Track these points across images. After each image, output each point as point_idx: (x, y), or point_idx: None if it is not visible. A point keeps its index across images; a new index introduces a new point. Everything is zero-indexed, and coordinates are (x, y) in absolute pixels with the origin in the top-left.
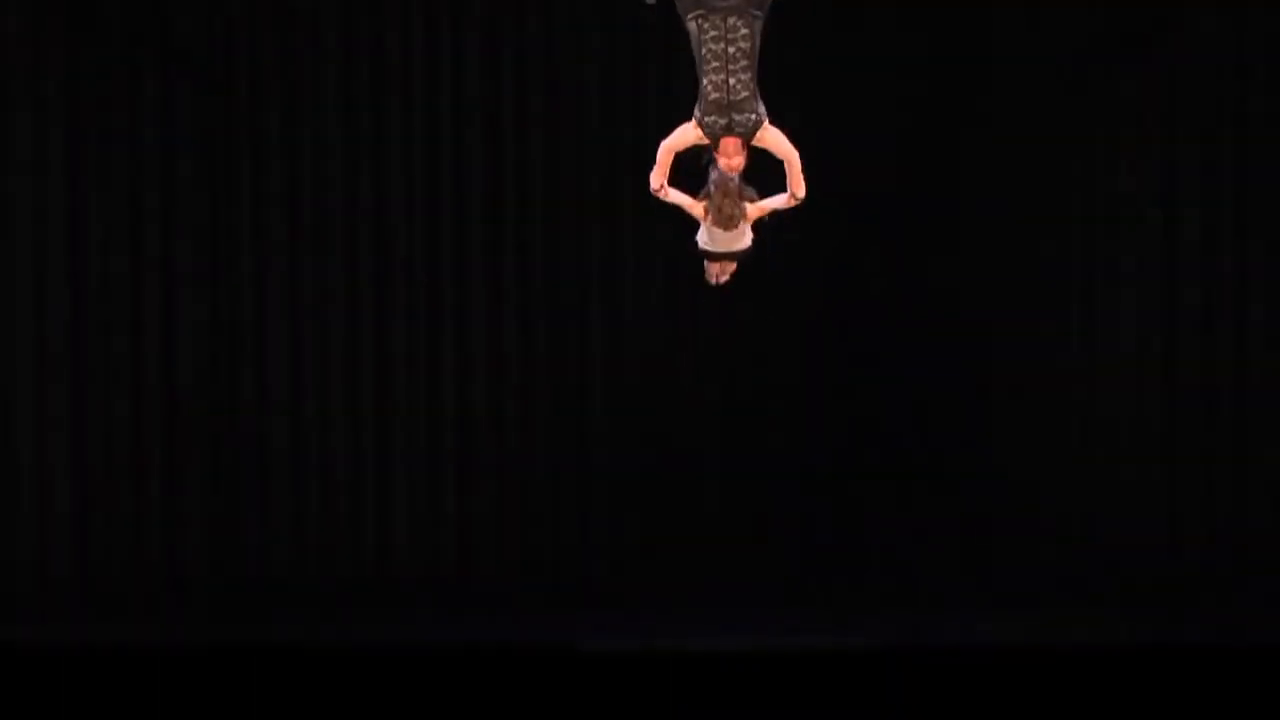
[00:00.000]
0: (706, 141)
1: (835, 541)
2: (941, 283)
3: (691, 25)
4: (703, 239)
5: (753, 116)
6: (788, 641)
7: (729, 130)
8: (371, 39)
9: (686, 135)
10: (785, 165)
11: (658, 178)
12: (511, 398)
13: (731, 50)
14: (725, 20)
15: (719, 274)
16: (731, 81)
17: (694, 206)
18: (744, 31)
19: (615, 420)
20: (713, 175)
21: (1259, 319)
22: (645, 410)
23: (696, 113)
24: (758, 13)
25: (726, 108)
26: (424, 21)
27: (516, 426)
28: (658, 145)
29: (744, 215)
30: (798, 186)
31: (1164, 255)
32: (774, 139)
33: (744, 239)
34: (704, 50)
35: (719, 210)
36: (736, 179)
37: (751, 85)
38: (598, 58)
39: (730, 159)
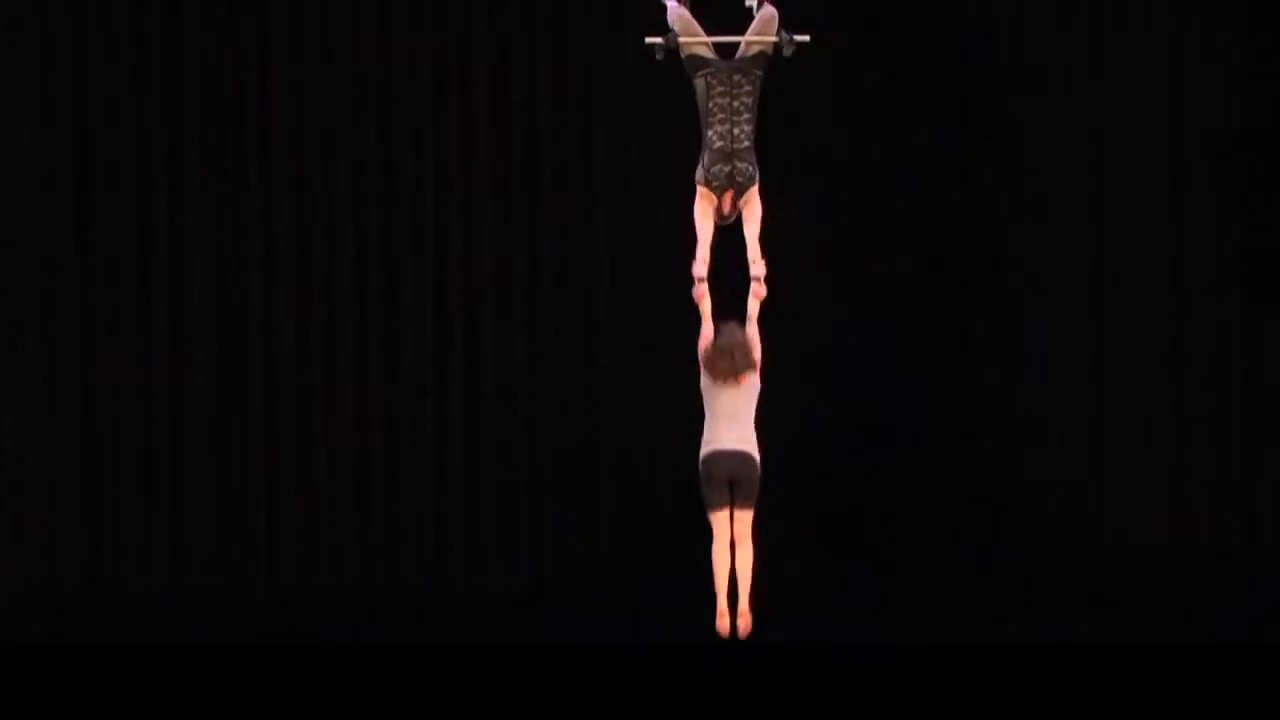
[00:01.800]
0: (715, 200)
1: (835, 540)
2: (945, 281)
3: (699, 82)
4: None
5: (750, 168)
6: (787, 641)
7: (731, 180)
8: (380, 36)
9: (704, 216)
10: (747, 236)
11: (700, 267)
12: (518, 399)
13: (735, 104)
14: (730, 77)
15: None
16: (735, 132)
17: (705, 339)
18: (747, 87)
19: (621, 421)
20: (720, 339)
21: (1267, 318)
22: (650, 412)
23: (700, 171)
24: (759, 71)
25: (730, 155)
26: (432, 22)
27: (522, 429)
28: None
29: (739, 367)
30: (758, 265)
31: (1173, 253)
32: (752, 212)
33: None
34: (710, 104)
35: (724, 366)
36: (743, 337)
37: (752, 136)
38: (605, 63)
39: (726, 205)
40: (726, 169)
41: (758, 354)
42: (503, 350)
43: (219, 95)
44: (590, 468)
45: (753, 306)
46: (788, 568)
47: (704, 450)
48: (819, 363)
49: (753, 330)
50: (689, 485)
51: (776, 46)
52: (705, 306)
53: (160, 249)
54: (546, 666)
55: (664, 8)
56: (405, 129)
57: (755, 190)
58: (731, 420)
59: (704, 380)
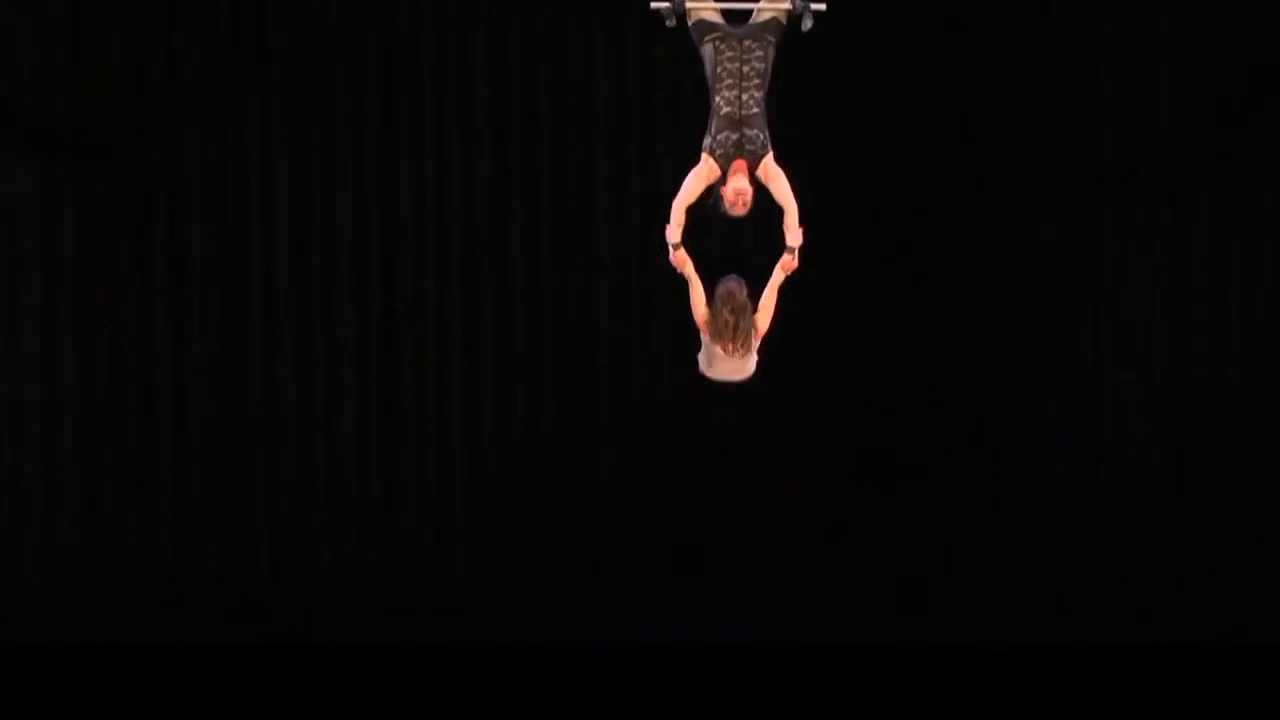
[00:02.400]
0: (718, 173)
1: (836, 541)
2: (945, 282)
3: (707, 48)
4: (703, 362)
5: (761, 135)
6: (787, 641)
7: (740, 149)
8: (380, 36)
9: (697, 180)
10: (784, 212)
11: (675, 232)
12: (518, 399)
13: (746, 69)
14: (741, 42)
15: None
16: (744, 98)
17: (699, 303)
18: (758, 53)
19: (621, 421)
20: (719, 289)
21: (1269, 317)
22: (650, 412)
23: (706, 140)
24: (771, 38)
25: (738, 122)
26: (432, 22)
27: (522, 429)
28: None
29: (744, 339)
30: (794, 234)
31: (1173, 256)
32: (776, 176)
33: (747, 367)
34: (718, 69)
35: (721, 322)
36: (744, 293)
37: (762, 104)
38: (606, 57)
39: (739, 182)
40: (735, 136)
41: (765, 323)
42: (503, 350)
43: (219, 95)
44: (590, 468)
45: (778, 275)
46: (787, 568)
47: (703, 373)
48: (818, 362)
49: (770, 298)
50: (689, 485)
51: (790, 15)
52: (689, 270)
53: (160, 249)
54: (546, 666)
55: None
56: (405, 129)
57: (770, 159)
58: (734, 375)
59: (704, 344)
